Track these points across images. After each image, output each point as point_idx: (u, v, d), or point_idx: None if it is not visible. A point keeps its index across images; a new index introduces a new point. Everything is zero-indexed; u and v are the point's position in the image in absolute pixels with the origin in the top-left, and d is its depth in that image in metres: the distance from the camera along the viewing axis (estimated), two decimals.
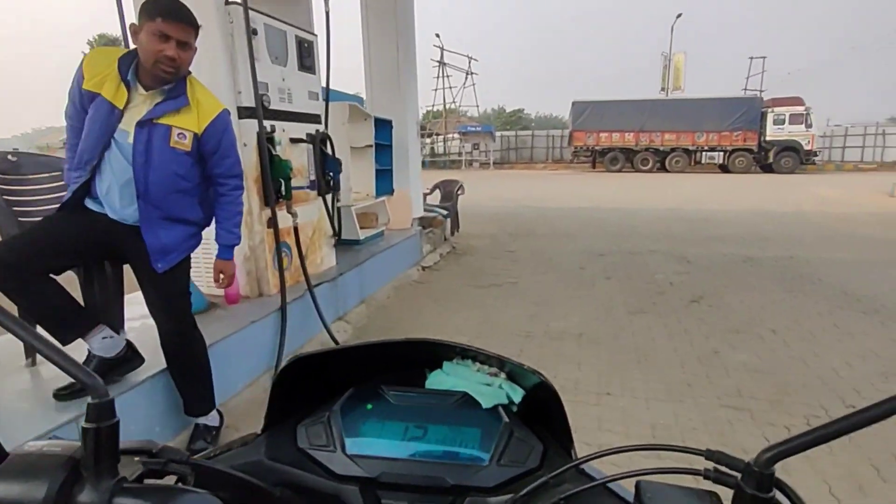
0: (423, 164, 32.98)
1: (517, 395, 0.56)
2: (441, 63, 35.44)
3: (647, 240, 7.50)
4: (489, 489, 0.49)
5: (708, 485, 0.41)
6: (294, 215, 3.15)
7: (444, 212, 7.45)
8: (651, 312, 4.19)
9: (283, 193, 3.14)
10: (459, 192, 8.34)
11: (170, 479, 0.40)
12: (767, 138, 23.88)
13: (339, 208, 3.96)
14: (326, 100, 3.93)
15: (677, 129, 24.98)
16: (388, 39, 5.83)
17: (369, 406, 0.55)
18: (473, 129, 32.86)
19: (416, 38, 6.28)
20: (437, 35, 34.94)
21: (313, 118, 3.71)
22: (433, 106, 38.53)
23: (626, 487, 0.47)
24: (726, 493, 0.39)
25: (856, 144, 28.87)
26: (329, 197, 3.84)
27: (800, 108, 23.42)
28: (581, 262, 6.13)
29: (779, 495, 0.36)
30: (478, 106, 39.78)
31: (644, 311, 4.21)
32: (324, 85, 3.85)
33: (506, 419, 0.53)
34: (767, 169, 24.32)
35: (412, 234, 5.68)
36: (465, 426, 0.53)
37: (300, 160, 3.50)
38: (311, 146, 3.53)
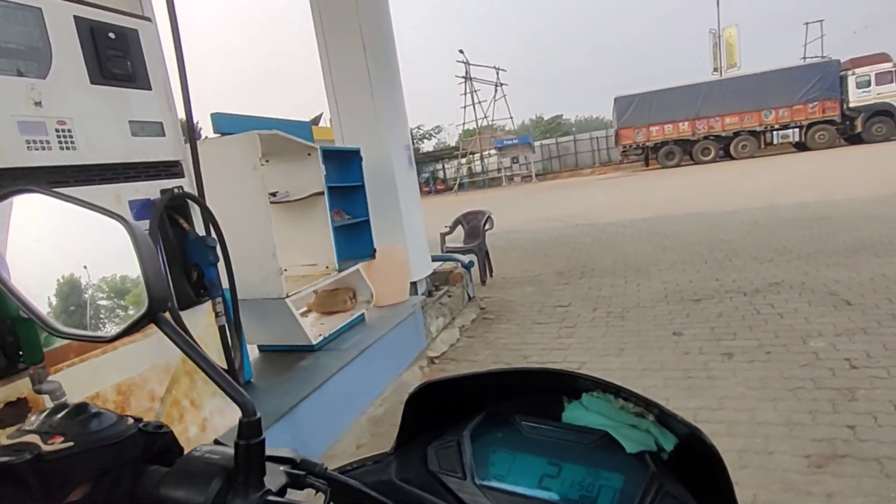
0: (462, 185, 31.87)
1: (669, 442, 0.47)
2: (467, 78, 33.93)
3: (756, 263, 5.27)
4: None
5: None
6: (44, 392, 1.37)
7: (467, 258, 5.57)
8: (850, 455, 2.10)
9: (20, 353, 1.38)
10: (487, 227, 6.45)
11: (309, 491, 0.42)
12: (851, 105, 20.79)
13: (224, 325, 2.15)
14: (191, 134, 2.20)
15: (740, 111, 22.25)
16: (350, 39, 4.11)
17: (500, 435, 0.51)
18: (510, 142, 30.97)
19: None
20: (461, 51, 33.55)
21: (152, 170, 1.97)
22: (464, 124, 36.94)
23: None
24: None
25: None
26: (206, 308, 2.07)
27: (887, 65, 20.37)
28: (671, 317, 4.05)
29: None
30: (512, 118, 37.70)
31: (838, 456, 2.12)
32: (175, 106, 2.10)
33: (653, 468, 0.46)
34: (855, 140, 21.11)
35: (410, 312, 3.80)
36: (606, 470, 0.47)
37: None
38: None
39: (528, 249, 8.08)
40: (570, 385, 0.51)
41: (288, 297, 2.83)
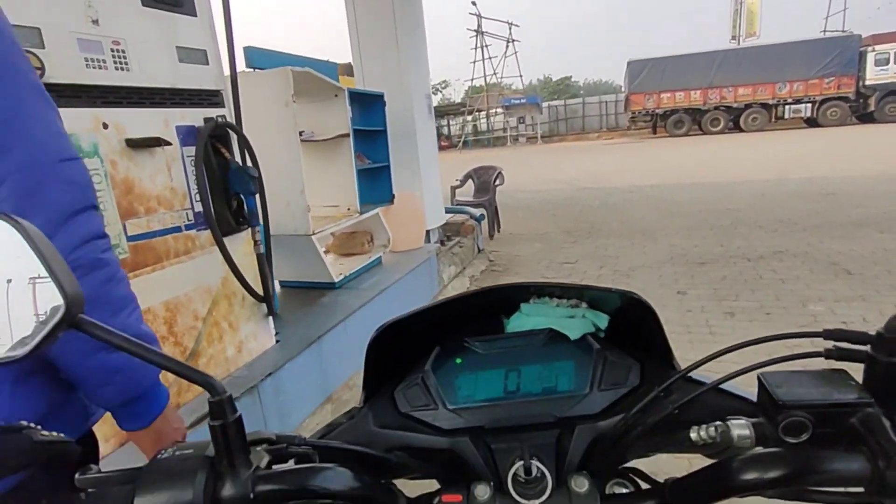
0: (467, 143, 31.44)
1: (602, 321, 0.55)
2: (479, 32, 32.93)
3: (761, 232, 5.37)
4: (596, 415, 0.49)
5: (832, 366, 0.41)
6: None
7: (478, 211, 5.64)
8: None
9: None
10: (498, 183, 6.48)
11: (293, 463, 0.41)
12: (867, 82, 20.37)
13: (262, 253, 2.25)
14: (232, 64, 2.22)
15: (754, 82, 21.81)
16: None
17: (458, 360, 0.54)
18: (518, 101, 30.40)
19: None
20: (474, 3, 32.41)
21: (195, 98, 2.01)
22: (472, 80, 36.17)
23: (742, 387, 0.46)
24: (853, 369, 0.40)
25: None
26: (245, 237, 2.16)
27: None
28: (676, 278, 4.18)
29: None
30: (521, 76, 36.86)
31: None
32: (220, 35, 2.12)
33: (597, 346, 0.53)
34: (867, 119, 20.82)
35: (425, 259, 3.91)
36: (558, 361, 0.53)
37: (157, 179, 1.82)
38: (191, 150, 1.83)
39: (536, 209, 8.14)
40: (511, 298, 0.56)
41: (314, 234, 2.91)
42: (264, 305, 2.32)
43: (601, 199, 8.59)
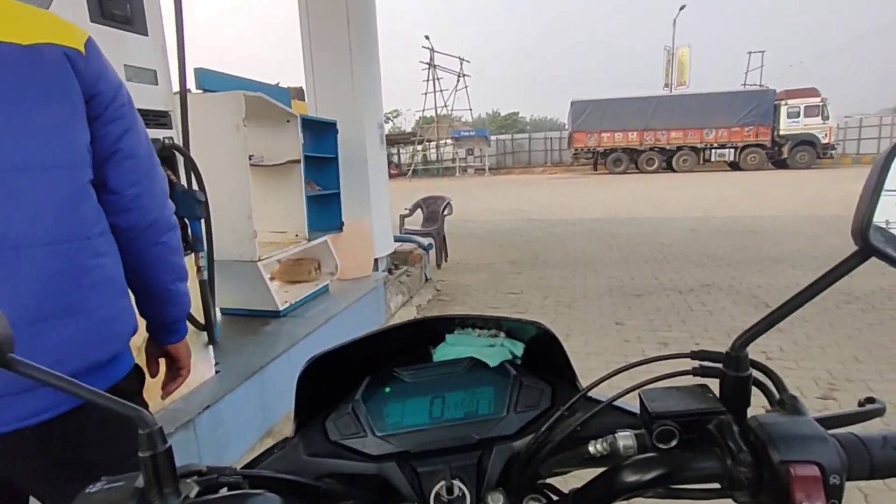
0: (416, 172, 31.78)
1: (518, 349, 0.59)
2: (431, 65, 33.76)
3: (691, 266, 5.74)
4: (512, 435, 0.53)
5: (698, 381, 0.47)
6: None
7: (427, 241, 5.70)
8: None
9: None
10: (446, 212, 6.59)
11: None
12: (781, 132, 22.50)
13: (205, 279, 2.18)
14: (183, 86, 2.18)
15: (685, 127, 23.62)
16: (334, 9, 4.09)
17: (387, 389, 0.56)
18: (467, 133, 31.23)
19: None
20: (427, 37, 33.31)
21: (143, 118, 1.96)
22: (423, 111, 36.83)
23: (632, 402, 0.51)
24: (714, 383, 0.47)
25: (871, 136, 27.12)
26: (188, 262, 2.09)
27: (815, 100, 22.10)
28: (614, 309, 4.37)
29: (755, 373, 0.46)
30: (471, 110, 37.92)
31: None
32: (169, 54, 2.09)
33: (513, 372, 0.57)
34: (781, 165, 22.91)
35: (373, 287, 3.90)
36: (479, 387, 0.57)
37: None
38: None
39: (483, 238, 8.31)
40: (435, 330, 0.60)
41: (260, 260, 2.85)
42: (205, 334, 2.24)
43: (545, 230, 8.90)
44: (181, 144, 2.15)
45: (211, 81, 2.81)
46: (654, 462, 0.44)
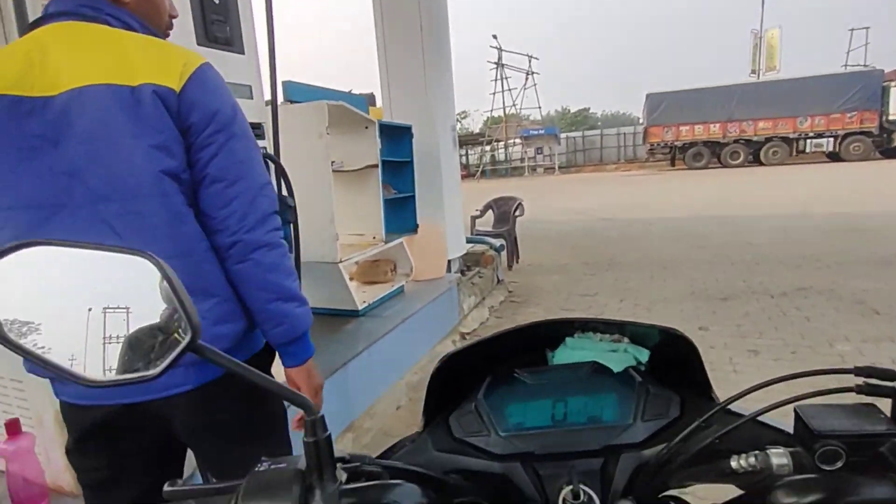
0: (485, 173, 31.77)
1: (643, 355, 0.59)
2: (499, 65, 33.65)
3: (784, 268, 5.31)
4: (639, 444, 0.52)
5: (862, 400, 0.44)
6: None
7: (498, 242, 5.69)
8: None
9: None
10: (518, 213, 6.55)
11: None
12: (891, 117, 20.22)
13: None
14: (274, 99, 2.34)
15: (774, 116, 21.83)
16: (408, 17, 4.20)
17: (508, 390, 0.57)
18: (536, 132, 30.79)
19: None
20: (494, 36, 33.23)
21: None
22: (491, 111, 36.79)
23: (779, 419, 0.48)
24: (883, 405, 0.43)
25: None
26: None
27: None
28: (697, 313, 4.14)
29: None
30: (540, 108, 37.43)
31: None
32: (264, 71, 2.25)
33: (639, 379, 0.56)
34: (891, 154, 20.59)
35: (447, 288, 3.96)
36: (602, 392, 0.56)
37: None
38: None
39: (554, 240, 8.16)
40: (556, 333, 0.60)
41: (341, 262, 2.99)
42: None
43: (620, 230, 8.59)
44: (272, 153, 2.31)
45: (297, 93, 2.98)
46: (816, 484, 0.42)
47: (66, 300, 0.42)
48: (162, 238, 0.92)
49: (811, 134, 21.72)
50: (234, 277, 0.99)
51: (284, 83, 2.94)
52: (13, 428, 1.61)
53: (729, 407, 0.51)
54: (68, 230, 0.86)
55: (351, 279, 3.84)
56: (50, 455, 1.80)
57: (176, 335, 0.40)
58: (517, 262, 6.42)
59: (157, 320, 0.42)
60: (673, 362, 0.57)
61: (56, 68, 0.86)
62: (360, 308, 3.21)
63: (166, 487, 0.43)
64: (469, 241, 5.30)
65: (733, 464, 0.46)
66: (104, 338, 0.41)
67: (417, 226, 3.92)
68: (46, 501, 1.70)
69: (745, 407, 0.52)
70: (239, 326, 1.01)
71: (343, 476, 0.42)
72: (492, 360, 0.60)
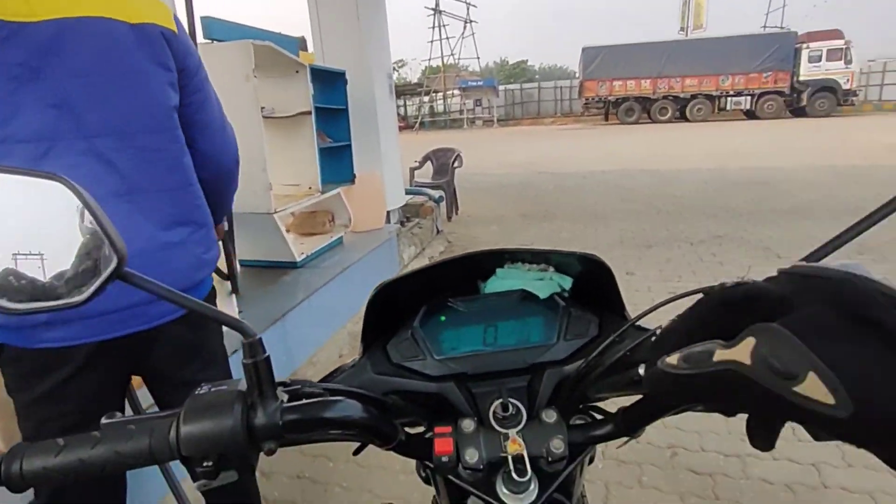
0: (423, 124, 31.20)
1: (567, 282, 0.62)
2: (437, 11, 32.54)
3: (703, 218, 5.71)
4: (562, 360, 0.58)
5: None
6: None
7: (437, 193, 5.70)
8: None
9: None
10: (456, 165, 6.54)
11: None
12: (801, 78, 21.65)
13: (226, 230, 2.23)
14: (192, 35, 2.15)
15: (700, 74, 22.79)
16: None
17: (442, 318, 0.61)
18: (475, 83, 30.42)
19: None
20: None
21: None
22: (429, 60, 35.80)
23: None
24: None
25: (895, 81, 26.07)
26: None
27: (839, 43, 21.10)
28: (625, 259, 4.40)
29: None
30: (479, 58, 36.84)
31: None
32: (179, 3, 2.05)
33: (562, 303, 0.60)
34: (799, 113, 22.20)
35: (386, 239, 3.94)
36: (529, 317, 0.61)
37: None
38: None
39: (492, 191, 8.26)
40: (487, 265, 0.63)
41: (276, 212, 2.89)
42: (228, 284, 2.30)
43: (556, 183, 8.82)
44: None
45: (219, 31, 2.76)
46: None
47: None
48: (170, 171, 1.01)
49: (731, 92, 22.90)
50: (219, 199, 1.24)
51: (203, 19, 2.70)
52: None
53: (638, 323, 0.55)
54: (65, 166, 0.87)
55: (288, 231, 3.73)
56: None
57: (98, 262, 0.38)
58: (456, 213, 6.47)
59: (77, 247, 0.39)
60: (592, 287, 0.62)
61: None
62: (297, 259, 3.14)
63: (104, 420, 0.41)
64: (408, 192, 5.26)
65: (641, 371, 0.50)
66: (23, 267, 0.39)
67: (355, 176, 3.83)
68: None
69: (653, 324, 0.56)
70: (217, 253, 1.15)
71: (284, 397, 0.43)
72: (426, 290, 0.62)
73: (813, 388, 0.25)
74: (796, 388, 0.26)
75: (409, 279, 0.59)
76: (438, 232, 5.34)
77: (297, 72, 3.19)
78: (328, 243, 3.56)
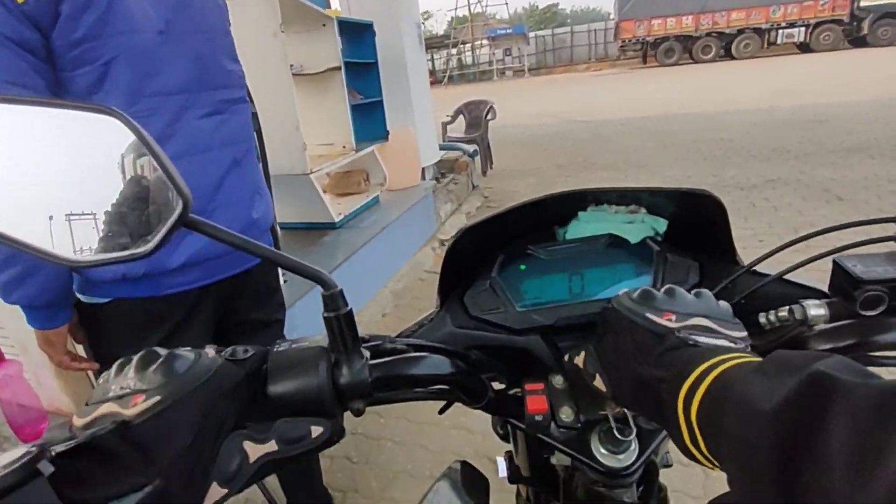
0: (452, 78, 30.37)
1: (661, 225, 0.56)
2: None
3: (754, 161, 5.37)
4: None
5: None
6: None
7: (471, 147, 5.55)
8: None
9: None
10: (489, 117, 6.33)
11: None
12: (862, 4, 19.73)
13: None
14: None
15: (747, 5, 21.02)
16: None
17: (522, 266, 0.57)
18: (504, 31, 29.15)
19: None
20: None
21: None
22: (455, 10, 34.47)
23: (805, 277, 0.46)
24: None
25: None
26: None
27: None
28: None
29: None
30: (507, 4, 35.26)
31: None
32: None
33: (656, 248, 0.54)
34: (860, 43, 20.35)
35: (422, 196, 3.88)
36: (618, 263, 0.55)
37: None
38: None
39: (527, 143, 8.02)
40: (567, 209, 0.58)
41: (312, 173, 2.85)
42: None
43: (593, 131, 8.47)
44: None
45: None
46: (854, 329, 0.41)
47: (30, 172, 0.35)
48: (249, 125, 1.10)
49: (783, 24, 21.16)
50: None
51: None
52: None
53: (756, 269, 0.49)
54: (198, 116, 0.95)
55: (323, 192, 3.71)
56: (41, 380, 1.77)
57: (161, 207, 0.34)
58: (491, 167, 6.32)
59: (136, 189, 0.35)
60: (692, 229, 0.55)
61: None
62: (336, 220, 3.12)
63: None
64: (442, 147, 5.14)
65: (762, 319, 0.44)
66: (78, 214, 0.35)
67: (388, 132, 3.74)
68: (46, 424, 1.69)
69: (770, 270, 0.50)
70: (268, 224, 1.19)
71: (367, 354, 0.40)
72: (500, 238, 0.58)
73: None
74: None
75: (488, 224, 0.54)
76: (474, 187, 5.24)
77: (324, 25, 3.07)
78: (365, 203, 3.52)
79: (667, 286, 0.41)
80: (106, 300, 0.95)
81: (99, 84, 0.85)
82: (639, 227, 0.56)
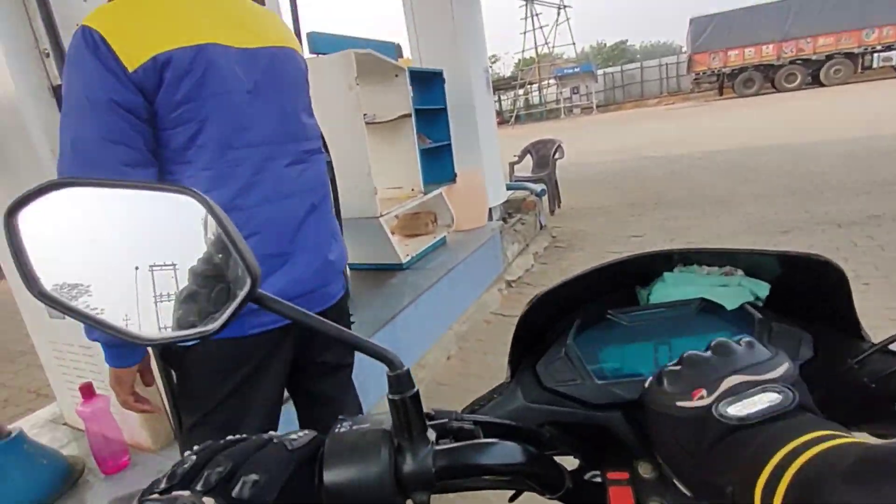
0: (519, 118, 30.76)
1: (762, 289, 0.49)
2: (529, 0, 31.87)
3: (851, 196, 4.93)
4: None
5: None
6: None
7: (538, 187, 5.52)
8: None
9: None
10: (557, 156, 6.30)
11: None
12: None
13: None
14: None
15: (836, 30, 19.76)
16: None
17: (599, 334, 0.52)
18: (571, 70, 29.36)
19: None
20: None
21: None
22: (522, 52, 35.17)
23: None
24: None
25: None
26: None
27: None
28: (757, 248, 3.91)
29: None
30: (574, 44, 35.40)
31: None
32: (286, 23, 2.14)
33: (758, 316, 0.47)
34: None
35: (489, 237, 3.88)
36: (712, 332, 0.45)
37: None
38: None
39: (596, 181, 7.87)
40: (651, 269, 0.52)
41: (381, 216, 2.95)
42: None
43: (665, 167, 8.18)
44: None
45: (323, 44, 2.87)
46: None
47: (109, 251, 0.37)
48: (323, 173, 1.15)
49: (879, 47, 19.70)
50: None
51: (309, 34, 2.83)
52: (88, 391, 1.69)
53: (890, 348, 0.42)
54: (282, 166, 1.03)
55: (392, 233, 3.82)
56: (125, 415, 1.90)
57: (230, 284, 0.35)
58: (559, 206, 6.24)
59: (207, 267, 0.36)
60: (803, 296, 0.48)
61: (254, 26, 1.03)
62: (403, 261, 3.18)
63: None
64: (509, 187, 5.16)
65: None
66: (155, 295, 0.37)
67: (456, 175, 3.81)
68: (127, 457, 1.80)
69: None
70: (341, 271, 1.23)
71: (433, 435, 0.37)
72: (577, 301, 0.53)
73: None
74: None
75: (561, 289, 0.50)
76: (542, 227, 5.17)
77: (396, 76, 3.23)
78: (432, 244, 3.57)
79: (683, 354, 0.37)
80: (193, 342, 1.00)
81: (194, 139, 0.93)
82: (735, 291, 0.50)
